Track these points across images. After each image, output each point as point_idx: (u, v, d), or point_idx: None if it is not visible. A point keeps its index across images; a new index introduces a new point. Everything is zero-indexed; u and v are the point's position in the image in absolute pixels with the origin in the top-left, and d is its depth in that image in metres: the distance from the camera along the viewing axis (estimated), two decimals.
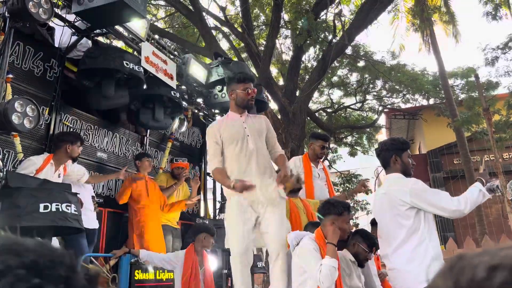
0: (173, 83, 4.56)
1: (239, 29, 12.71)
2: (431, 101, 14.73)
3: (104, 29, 4.05)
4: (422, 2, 12.64)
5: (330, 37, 11.90)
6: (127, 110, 4.87)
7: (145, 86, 4.37)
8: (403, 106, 15.46)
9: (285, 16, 13.42)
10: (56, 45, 4.08)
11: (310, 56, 14.92)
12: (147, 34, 4.28)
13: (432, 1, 13.72)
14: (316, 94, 14.97)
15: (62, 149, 3.53)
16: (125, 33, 4.29)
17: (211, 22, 13.04)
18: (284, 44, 15.50)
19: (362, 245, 2.96)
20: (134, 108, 4.67)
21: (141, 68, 4.12)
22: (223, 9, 13.12)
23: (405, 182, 2.52)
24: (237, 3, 13.44)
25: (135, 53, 4.39)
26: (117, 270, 3.69)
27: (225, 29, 13.60)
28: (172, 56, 4.71)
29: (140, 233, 4.17)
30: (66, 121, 4.13)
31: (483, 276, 0.44)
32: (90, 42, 4.41)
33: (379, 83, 15.29)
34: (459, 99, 14.16)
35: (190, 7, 10.04)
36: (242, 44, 12.16)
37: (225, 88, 4.93)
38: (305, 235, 2.67)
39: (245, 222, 2.74)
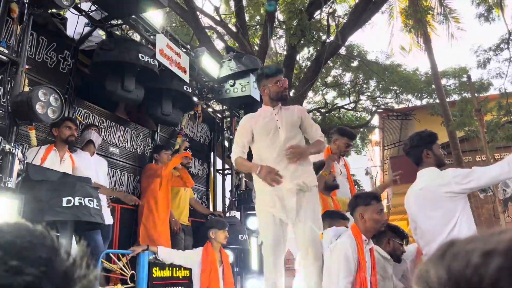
0: (186, 77, 4.45)
1: (234, 29, 12.66)
2: (424, 101, 14.90)
3: (119, 20, 3.93)
4: (415, 3, 12.78)
5: (324, 37, 11.95)
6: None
7: None
8: (396, 106, 15.60)
9: (280, 16, 13.40)
10: (69, 35, 3.95)
11: (304, 56, 14.96)
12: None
13: (426, 2, 13.87)
14: (310, 94, 15.00)
15: (53, 136, 3.43)
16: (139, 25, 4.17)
17: (205, 21, 12.95)
18: (279, 44, 15.47)
19: (396, 239, 2.92)
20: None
21: (156, 61, 4.01)
22: (217, 8, 13.04)
23: (443, 174, 2.49)
24: (232, 3, 13.38)
25: (148, 45, 4.28)
26: (134, 267, 3.58)
27: (220, 29, 13.53)
28: (184, 50, 4.61)
29: (147, 226, 4.06)
30: (78, 115, 4.00)
31: (478, 262, 0.43)
32: (100, 33, 4.29)
33: (372, 83, 15.40)
34: (451, 99, 14.34)
35: (185, 7, 9.93)
36: (237, 44, 12.11)
37: (237, 82, 4.87)
38: (344, 232, 2.61)
39: (276, 213, 2.69)
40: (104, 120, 4.30)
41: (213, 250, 3.75)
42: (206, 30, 12.43)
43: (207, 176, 5.66)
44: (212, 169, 5.73)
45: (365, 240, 2.53)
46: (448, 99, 13.50)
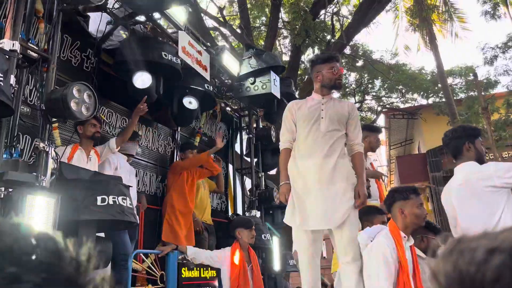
0: (207, 75, 4.40)
1: (238, 30, 12.64)
2: (430, 101, 14.86)
3: (142, 17, 3.88)
4: (420, 2, 12.77)
5: (328, 37, 11.93)
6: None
7: None
8: (402, 106, 15.57)
9: (284, 17, 13.37)
10: (92, 34, 3.89)
11: (309, 56, 14.92)
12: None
13: (431, 0, 13.85)
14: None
15: (78, 133, 3.40)
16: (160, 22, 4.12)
17: (209, 23, 12.92)
18: (283, 44, 15.45)
19: (431, 235, 2.85)
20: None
21: (178, 59, 3.96)
22: (221, 10, 13.02)
23: (484, 168, 2.43)
24: (236, 4, 13.36)
25: (169, 42, 4.23)
26: (163, 267, 3.52)
27: (224, 30, 13.50)
28: (205, 48, 4.56)
29: (172, 223, 4.00)
30: (102, 114, 3.95)
31: (481, 258, 0.44)
32: (120, 32, 4.23)
33: (377, 82, 15.39)
34: (458, 98, 14.31)
35: (189, 8, 9.90)
36: (241, 45, 12.09)
37: (257, 80, 4.82)
38: (379, 231, 2.54)
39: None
40: (127, 119, 4.24)
41: (241, 250, 3.69)
42: (211, 31, 12.40)
43: (225, 175, 5.60)
44: (230, 168, 5.67)
45: (404, 237, 2.45)
46: (454, 98, 13.48)
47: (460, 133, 2.57)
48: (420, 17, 13.24)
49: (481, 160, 2.52)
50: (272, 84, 4.71)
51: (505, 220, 2.34)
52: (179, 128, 4.90)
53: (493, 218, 2.35)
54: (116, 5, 3.74)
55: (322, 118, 2.70)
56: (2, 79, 2.16)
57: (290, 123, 2.76)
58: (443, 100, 13.61)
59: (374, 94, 15.31)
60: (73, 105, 2.60)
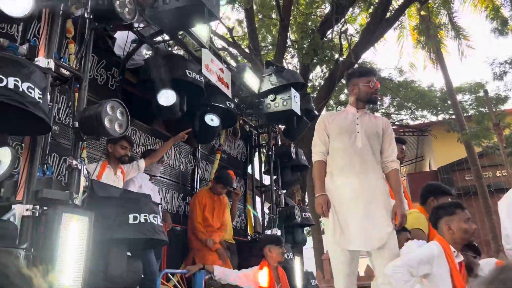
0: (229, 93, 4.40)
1: (247, 50, 12.77)
2: (440, 117, 14.82)
3: (166, 35, 3.91)
4: (428, 20, 12.87)
5: (336, 55, 12.02)
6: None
7: None
8: (411, 123, 15.54)
9: (291, 36, 13.49)
10: (117, 52, 3.93)
11: (317, 75, 15.02)
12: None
13: (437, 18, 13.94)
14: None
15: (107, 152, 3.43)
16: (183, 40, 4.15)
17: (218, 43, 13.08)
18: (291, 64, 15.56)
19: (468, 252, 2.77)
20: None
21: (202, 77, 3.97)
22: (230, 30, 13.20)
23: None
24: (244, 24, 13.55)
25: (190, 59, 4.25)
26: (189, 286, 3.44)
27: (233, 50, 13.64)
28: (226, 65, 4.58)
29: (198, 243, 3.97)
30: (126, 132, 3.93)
31: None
32: (144, 50, 4.27)
33: (387, 100, 15.39)
34: (468, 114, 14.26)
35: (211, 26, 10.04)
36: (250, 65, 12.15)
37: (277, 97, 4.81)
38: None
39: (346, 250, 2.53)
40: (150, 137, 4.24)
41: (270, 268, 3.61)
42: (220, 52, 12.53)
43: (244, 193, 5.55)
44: (249, 186, 5.63)
45: (454, 251, 2.40)
46: (464, 115, 13.44)
47: None
48: (426, 35, 13.34)
49: None
50: (292, 101, 4.71)
51: None
52: (199, 146, 4.88)
53: None
54: (142, 24, 3.78)
55: (358, 132, 2.67)
56: (41, 96, 2.15)
57: (323, 135, 2.73)
58: (453, 116, 13.59)
59: (383, 111, 15.31)
60: (107, 122, 2.59)
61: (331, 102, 14.90)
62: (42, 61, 2.55)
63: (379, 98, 2.80)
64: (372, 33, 10.21)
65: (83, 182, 2.64)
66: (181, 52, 4.59)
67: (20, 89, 2.00)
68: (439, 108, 14.46)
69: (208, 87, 4.21)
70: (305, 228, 6.16)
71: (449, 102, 13.84)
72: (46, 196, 2.32)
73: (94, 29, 2.95)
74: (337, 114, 2.79)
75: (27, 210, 2.23)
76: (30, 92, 2.05)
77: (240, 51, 13.08)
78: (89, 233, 2.40)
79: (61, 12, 2.82)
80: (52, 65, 2.58)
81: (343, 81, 13.92)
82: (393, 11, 10.37)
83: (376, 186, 2.60)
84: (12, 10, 2.33)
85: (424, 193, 3.33)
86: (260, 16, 12.86)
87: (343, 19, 11.26)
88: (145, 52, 4.27)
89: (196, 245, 4.00)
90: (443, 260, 2.37)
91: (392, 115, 15.63)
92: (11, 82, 1.97)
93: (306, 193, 9.74)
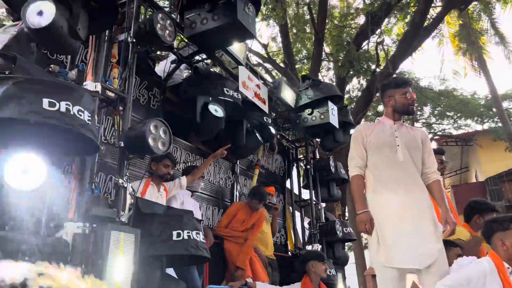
0: (266, 108, 4.44)
1: (282, 65, 12.85)
2: (486, 126, 14.20)
3: (204, 54, 4.02)
4: (468, 26, 12.46)
5: (373, 66, 11.85)
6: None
7: None
8: (454, 132, 14.97)
9: (327, 49, 13.44)
10: (158, 73, 4.07)
11: (354, 86, 14.86)
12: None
13: (478, 24, 13.47)
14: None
15: (151, 169, 3.52)
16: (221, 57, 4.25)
17: (253, 59, 13.25)
18: (327, 76, 15.48)
19: None
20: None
21: (239, 94, 4.03)
22: (265, 46, 13.35)
23: None
24: (279, 39, 13.68)
25: (227, 75, 4.33)
26: None
27: (268, 65, 13.76)
28: (262, 81, 4.63)
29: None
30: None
31: None
32: (182, 69, 4.39)
33: (427, 109, 14.95)
34: None
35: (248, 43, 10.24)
36: (285, 79, 12.17)
37: (315, 110, 4.80)
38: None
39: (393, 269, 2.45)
40: (190, 154, 4.33)
41: (312, 284, 3.55)
42: (255, 67, 12.69)
43: (283, 208, 5.52)
44: (288, 200, 5.60)
45: (508, 268, 2.28)
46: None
47: None
48: (468, 41, 12.91)
49: None
50: (330, 114, 4.68)
51: None
52: (238, 161, 4.93)
53: None
54: (181, 45, 3.91)
55: (398, 145, 2.60)
56: (90, 118, 2.26)
57: (360, 148, 2.66)
58: (500, 125, 12.98)
59: (424, 121, 14.88)
60: (150, 141, 2.67)
61: (369, 113, 14.67)
62: (90, 85, 2.69)
63: (417, 109, 2.73)
64: (410, 42, 10.01)
65: (128, 200, 2.74)
66: (218, 70, 4.68)
67: (71, 112, 2.11)
68: (484, 116, 13.88)
69: (245, 103, 4.27)
70: (346, 243, 6.03)
71: (494, 109, 13.27)
72: (95, 214, 2.42)
73: (136, 52, 3.09)
74: (373, 126, 2.72)
75: (78, 227, 2.33)
76: (80, 115, 2.16)
77: (275, 66, 13.20)
78: (135, 250, 2.47)
79: (106, 38, 2.98)
80: (99, 88, 2.71)
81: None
82: (431, 19, 10.12)
83: (422, 200, 2.52)
84: None
85: (468, 211, 3.20)
86: (294, 31, 12.93)
87: (379, 30, 11.13)
88: (184, 71, 4.40)
89: (230, 248, 3.99)
90: (495, 277, 2.26)
91: (433, 125, 15.16)
92: (63, 106, 2.08)
93: (346, 207, 9.56)
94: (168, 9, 3.58)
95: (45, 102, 2.03)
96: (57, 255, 2.15)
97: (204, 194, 4.43)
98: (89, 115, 2.28)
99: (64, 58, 3.29)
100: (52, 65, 2.73)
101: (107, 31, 2.95)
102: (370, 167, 2.64)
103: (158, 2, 3.86)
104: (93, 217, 2.42)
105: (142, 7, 3.35)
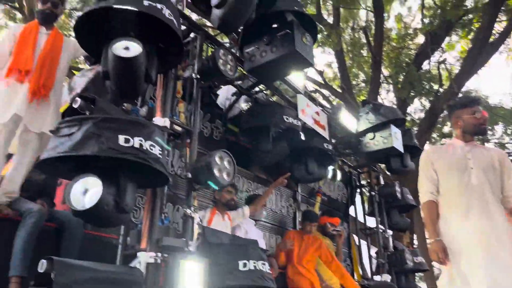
0: (326, 134, 4.40)
1: (339, 90, 12.73)
2: None
3: (263, 85, 4.11)
4: None
5: (436, 87, 11.38)
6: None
7: None
8: None
9: (385, 71, 13.18)
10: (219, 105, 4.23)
11: (417, 108, 14.34)
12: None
13: None
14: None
15: (215, 199, 3.59)
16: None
17: (310, 85, 13.30)
18: (387, 99, 15.08)
19: None
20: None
21: (299, 121, 4.05)
22: (320, 72, 13.35)
23: None
24: (334, 65, 13.66)
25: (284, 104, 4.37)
26: None
27: (324, 91, 13.72)
28: (321, 108, 4.63)
29: None
30: None
31: None
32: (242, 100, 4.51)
33: (499, 128, 13.98)
34: None
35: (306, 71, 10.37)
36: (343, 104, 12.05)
37: (377, 135, 4.68)
38: None
39: None
40: (252, 183, 4.39)
41: None
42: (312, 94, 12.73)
43: (347, 236, 5.36)
44: (352, 228, 5.43)
45: None
46: None
47: None
48: None
49: None
50: (393, 138, 4.54)
51: None
52: (299, 189, 4.90)
53: None
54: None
55: (471, 168, 2.45)
56: (160, 152, 2.38)
57: (431, 172, 2.55)
58: None
59: (496, 141, 13.89)
60: (216, 171, 2.76)
61: (434, 135, 14.02)
62: (159, 120, 2.85)
63: (488, 129, 2.58)
64: (475, 59, 9.55)
65: (196, 230, 2.81)
66: (277, 99, 4.75)
67: (144, 147, 2.24)
68: None
69: (305, 131, 4.28)
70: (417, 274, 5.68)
71: None
72: (166, 244, 2.51)
73: (200, 87, 3.24)
74: (443, 148, 2.60)
75: (150, 257, 2.43)
76: (152, 149, 2.29)
77: (332, 91, 13.13)
78: (204, 279, 2.52)
79: (172, 75, 3.16)
80: (167, 123, 2.86)
81: (446, 112, 13.08)
82: (496, 34, 9.62)
83: (501, 227, 2.33)
84: None
85: None
86: (350, 55, 12.87)
87: (439, 48, 10.75)
88: (244, 102, 4.52)
89: (292, 276, 3.92)
90: None
91: (506, 145, 14.10)
92: (136, 141, 2.22)
93: (415, 235, 9.05)
94: (228, 44, 3.74)
95: (121, 138, 2.18)
96: (132, 284, 2.24)
97: (267, 222, 4.44)
98: (160, 149, 2.41)
99: None
100: (125, 104, 2.94)
101: (173, 69, 3.13)
102: (442, 192, 2.51)
103: (217, 37, 4.05)
104: (164, 247, 2.51)
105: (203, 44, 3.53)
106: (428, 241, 2.48)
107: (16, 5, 11.36)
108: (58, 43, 3.02)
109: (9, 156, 2.87)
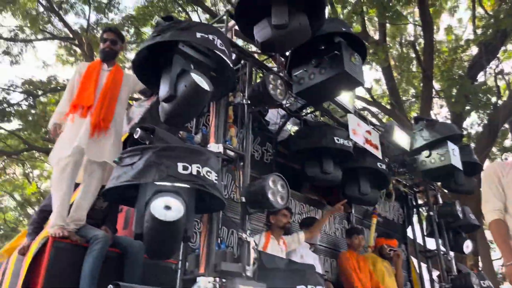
0: (379, 154, 4.30)
1: (388, 107, 12.40)
2: None
3: (312, 107, 4.12)
4: None
5: (494, 99, 10.81)
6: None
7: None
8: None
9: (436, 86, 12.71)
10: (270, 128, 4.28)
11: (474, 122, 13.66)
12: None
13: None
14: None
15: (270, 223, 3.60)
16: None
17: (358, 103, 13.08)
18: (440, 114, 14.49)
19: None
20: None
21: (350, 142, 4.00)
22: (368, 90, 13.11)
23: None
24: (382, 81, 13.38)
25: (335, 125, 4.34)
26: None
27: (373, 108, 13.43)
28: (372, 127, 4.54)
29: None
30: None
31: None
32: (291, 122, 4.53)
33: None
34: None
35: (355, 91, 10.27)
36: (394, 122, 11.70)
37: (433, 152, 4.51)
38: None
39: None
40: (304, 205, 4.36)
41: None
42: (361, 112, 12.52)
43: (406, 259, 5.13)
44: (411, 250, 5.20)
45: None
46: None
47: None
48: None
49: None
50: (451, 155, 4.35)
51: None
52: (353, 210, 4.79)
53: None
54: (290, 100, 4.07)
55: None
56: (216, 177, 2.44)
57: (497, 189, 2.40)
58: None
59: None
60: (270, 195, 2.77)
61: (494, 149, 13.25)
62: (213, 146, 2.94)
63: None
64: None
65: (252, 254, 2.82)
66: (326, 119, 4.72)
67: (201, 174, 2.31)
68: None
69: (357, 151, 4.20)
70: None
71: None
72: (224, 269, 2.54)
73: (251, 112, 3.31)
74: (509, 164, 2.45)
75: (209, 282, 2.46)
76: (209, 175, 2.35)
77: (381, 109, 12.84)
78: None
79: (224, 102, 3.26)
80: (221, 149, 2.94)
81: (506, 125, 12.34)
82: None
83: None
84: None
85: None
86: (399, 71, 12.58)
87: (495, 59, 10.25)
88: (293, 124, 4.54)
89: None
90: None
91: None
92: (194, 169, 2.30)
93: (479, 256, 8.48)
94: (276, 69, 3.80)
95: (180, 166, 2.27)
96: None
97: (322, 246, 4.37)
98: (216, 175, 2.47)
99: (189, 124, 3.65)
100: (181, 132, 3.05)
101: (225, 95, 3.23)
102: (510, 210, 2.36)
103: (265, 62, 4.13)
104: (223, 272, 2.53)
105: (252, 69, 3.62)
106: (501, 262, 2.30)
107: (76, 42, 12.29)
108: (118, 78, 3.22)
109: (76, 185, 3.06)
